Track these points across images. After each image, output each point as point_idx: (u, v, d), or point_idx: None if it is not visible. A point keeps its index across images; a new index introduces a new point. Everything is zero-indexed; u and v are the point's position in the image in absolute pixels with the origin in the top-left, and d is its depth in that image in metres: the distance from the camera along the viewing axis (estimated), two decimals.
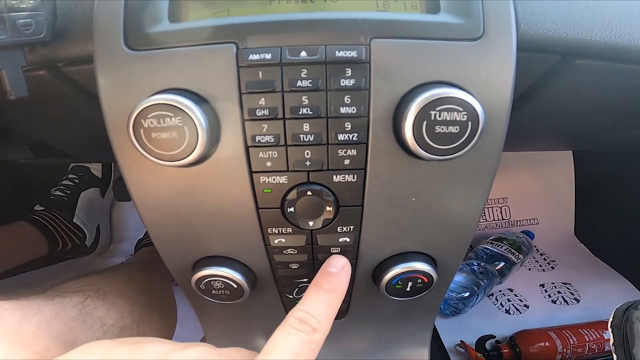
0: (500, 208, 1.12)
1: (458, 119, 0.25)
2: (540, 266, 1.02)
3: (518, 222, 1.12)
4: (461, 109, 0.25)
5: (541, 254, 1.05)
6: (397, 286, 0.33)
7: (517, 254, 0.95)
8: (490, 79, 0.26)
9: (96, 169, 1.05)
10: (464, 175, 0.29)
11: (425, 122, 0.25)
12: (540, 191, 1.12)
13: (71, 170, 1.03)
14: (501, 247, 0.96)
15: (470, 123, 0.25)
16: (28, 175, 1.05)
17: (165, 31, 0.26)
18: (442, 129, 0.25)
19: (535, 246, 1.05)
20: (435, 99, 0.25)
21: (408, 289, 0.34)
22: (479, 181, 0.29)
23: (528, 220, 1.12)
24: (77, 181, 1.01)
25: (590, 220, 1.09)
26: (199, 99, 0.26)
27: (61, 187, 1.00)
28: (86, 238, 0.99)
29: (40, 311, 0.38)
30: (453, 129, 0.25)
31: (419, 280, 0.33)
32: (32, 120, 0.48)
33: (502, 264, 0.93)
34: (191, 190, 0.29)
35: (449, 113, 0.25)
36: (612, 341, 0.47)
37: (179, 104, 0.24)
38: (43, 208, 0.95)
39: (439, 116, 0.25)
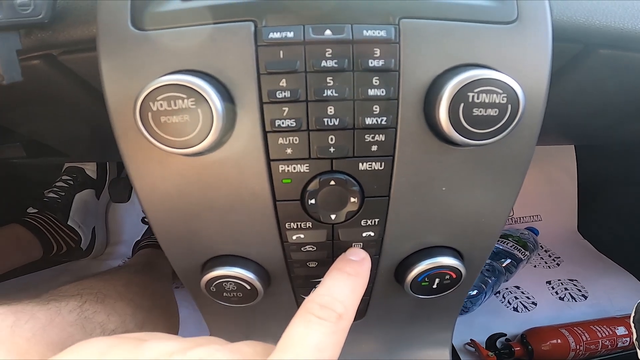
0: None
1: (497, 101, 0.24)
2: (546, 263, 1.01)
3: (521, 219, 1.12)
4: (501, 91, 0.23)
5: (545, 251, 1.05)
6: (422, 283, 0.31)
7: (523, 250, 0.94)
8: (526, 64, 0.25)
9: (91, 169, 1.02)
10: (498, 163, 0.27)
11: (462, 105, 0.23)
12: (542, 188, 1.12)
13: (65, 172, 1.01)
14: (507, 244, 0.95)
15: (510, 106, 0.24)
16: (20, 177, 1.02)
17: (176, 10, 0.24)
18: (481, 111, 0.24)
19: (539, 243, 1.04)
20: (474, 80, 0.23)
21: (435, 286, 0.32)
22: (513, 169, 0.28)
23: (531, 217, 1.12)
24: (72, 182, 0.98)
25: (593, 216, 1.09)
26: (212, 81, 0.24)
27: (55, 188, 0.97)
28: (81, 241, 0.96)
29: (34, 316, 0.35)
30: (492, 112, 0.24)
31: (447, 277, 0.31)
32: (26, 115, 0.46)
33: (509, 260, 0.91)
34: (202, 182, 0.27)
35: (488, 95, 0.23)
36: (634, 336, 0.46)
37: (192, 84, 0.22)
38: (36, 210, 0.93)
39: (477, 98, 0.23)
